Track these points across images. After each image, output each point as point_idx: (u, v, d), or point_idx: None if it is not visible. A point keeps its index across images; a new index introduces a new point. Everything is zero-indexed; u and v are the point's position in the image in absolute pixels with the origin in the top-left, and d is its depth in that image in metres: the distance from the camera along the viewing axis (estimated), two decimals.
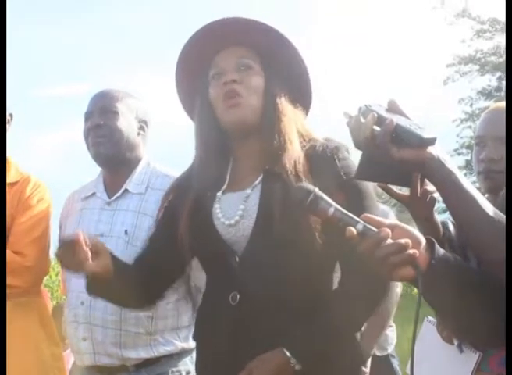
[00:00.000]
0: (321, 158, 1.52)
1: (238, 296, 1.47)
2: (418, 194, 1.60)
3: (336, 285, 1.56)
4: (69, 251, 1.46)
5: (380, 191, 1.77)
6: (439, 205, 1.66)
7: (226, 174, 1.59)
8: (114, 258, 1.55)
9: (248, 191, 1.53)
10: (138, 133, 2.15)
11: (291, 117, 1.56)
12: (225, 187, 1.57)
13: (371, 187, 1.58)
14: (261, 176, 1.54)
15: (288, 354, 1.41)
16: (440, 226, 1.75)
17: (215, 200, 1.55)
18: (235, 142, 1.60)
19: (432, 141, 1.19)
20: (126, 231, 2.00)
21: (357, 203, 1.44)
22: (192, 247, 1.57)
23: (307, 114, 1.64)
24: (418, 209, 1.64)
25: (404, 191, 1.69)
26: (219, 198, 1.56)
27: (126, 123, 2.11)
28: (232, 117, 1.54)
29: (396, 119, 1.19)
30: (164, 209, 1.69)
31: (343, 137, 2.75)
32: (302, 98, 1.63)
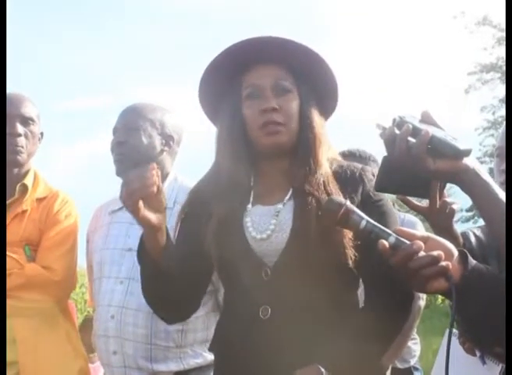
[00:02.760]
0: (350, 179, 1.54)
1: (269, 310, 1.47)
2: (437, 206, 1.61)
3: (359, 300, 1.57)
4: (138, 179, 1.39)
5: None
6: (462, 214, 1.67)
7: (251, 188, 1.59)
8: (168, 234, 1.51)
9: (279, 205, 1.54)
10: (162, 150, 2.14)
11: (324, 141, 1.58)
12: (251, 200, 1.57)
13: (395, 210, 1.58)
14: (290, 193, 1.54)
15: (323, 370, 1.40)
16: (460, 237, 1.75)
17: (246, 212, 1.55)
18: (262, 159, 1.60)
19: (467, 153, 1.19)
20: None
21: (381, 223, 1.40)
22: (219, 258, 1.55)
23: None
24: (438, 221, 1.64)
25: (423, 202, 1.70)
26: (249, 211, 1.55)
27: (148, 140, 2.11)
28: (270, 142, 1.55)
29: (432, 130, 1.19)
30: (182, 220, 1.66)
31: (361, 146, 2.76)
32: (326, 113, 1.64)
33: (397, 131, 1.21)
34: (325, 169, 1.55)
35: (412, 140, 1.19)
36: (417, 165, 1.19)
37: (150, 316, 1.96)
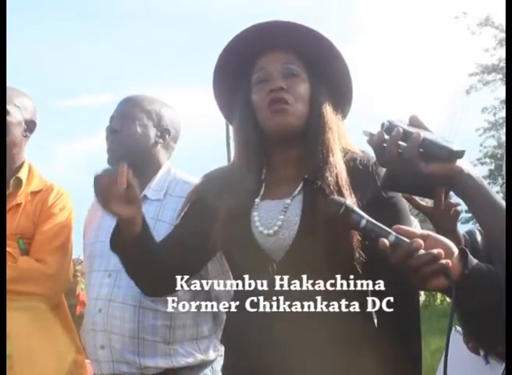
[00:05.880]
0: (362, 173, 1.49)
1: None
2: (442, 207, 1.59)
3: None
4: (106, 181, 1.49)
5: None
6: (462, 215, 1.64)
7: (262, 180, 1.57)
8: (144, 222, 1.57)
9: (288, 200, 1.51)
10: (156, 142, 2.12)
11: (335, 129, 1.54)
12: (262, 193, 1.55)
13: (407, 207, 1.55)
14: (301, 186, 1.51)
15: None
16: (462, 238, 1.73)
17: (253, 207, 1.53)
18: (273, 148, 1.58)
19: (461, 154, 1.17)
20: None
21: (394, 221, 1.34)
22: (227, 252, 1.56)
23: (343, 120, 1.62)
24: (442, 221, 1.63)
25: (426, 201, 1.67)
26: (257, 205, 1.53)
27: (142, 131, 2.09)
28: (278, 122, 1.52)
29: (423, 133, 1.17)
30: (190, 204, 1.68)
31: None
32: (342, 105, 1.60)
33: (387, 136, 1.18)
34: (337, 159, 1.50)
35: (403, 144, 1.17)
36: (409, 169, 1.16)
37: (137, 310, 1.94)
